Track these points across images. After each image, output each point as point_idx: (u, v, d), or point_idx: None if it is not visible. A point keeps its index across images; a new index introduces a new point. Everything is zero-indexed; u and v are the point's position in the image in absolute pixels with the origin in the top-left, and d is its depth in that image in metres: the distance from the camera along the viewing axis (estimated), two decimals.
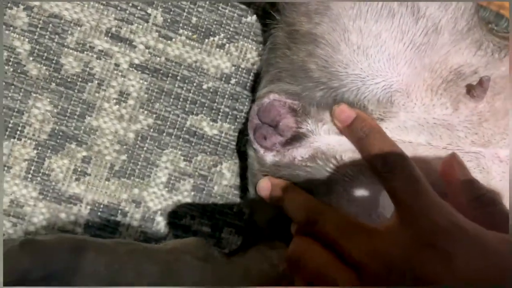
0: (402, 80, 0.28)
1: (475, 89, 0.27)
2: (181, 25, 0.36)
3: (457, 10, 0.27)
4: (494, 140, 0.28)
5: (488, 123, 0.28)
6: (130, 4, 0.35)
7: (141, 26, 0.35)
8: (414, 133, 0.29)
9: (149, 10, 0.36)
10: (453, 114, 0.28)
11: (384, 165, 0.25)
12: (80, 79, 0.35)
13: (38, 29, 0.34)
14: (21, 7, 0.34)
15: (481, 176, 0.28)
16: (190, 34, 0.36)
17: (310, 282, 0.24)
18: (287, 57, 0.31)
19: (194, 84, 0.36)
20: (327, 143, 0.30)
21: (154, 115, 0.36)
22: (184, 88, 0.36)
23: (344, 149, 0.29)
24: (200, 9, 0.36)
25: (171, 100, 0.36)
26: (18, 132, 0.34)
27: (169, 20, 0.36)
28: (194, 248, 0.32)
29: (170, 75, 0.36)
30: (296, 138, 0.31)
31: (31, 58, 0.34)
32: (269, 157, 0.31)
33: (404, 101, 0.28)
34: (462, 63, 0.28)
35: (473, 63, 0.28)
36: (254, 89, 0.37)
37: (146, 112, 0.36)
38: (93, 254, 0.28)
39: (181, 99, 0.36)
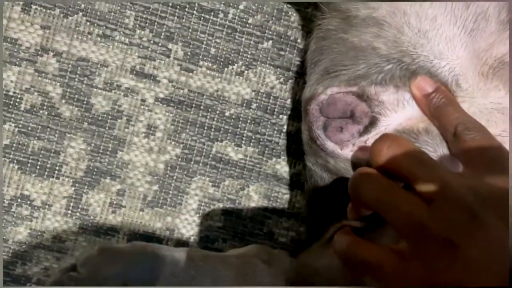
0: (462, 64, 0.28)
1: None
2: (200, 57, 0.38)
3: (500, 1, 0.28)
4: None
5: None
6: (152, 41, 0.37)
7: (163, 62, 0.37)
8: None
9: (170, 46, 0.37)
10: (505, 96, 0.28)
11: (464, 129, 0.26)
12: (110, 117, 0.37)
13: (68, 73, 0.36)
14: (51, 53, 0.36)
15: None
16: (210, 65, 0.38)
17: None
18: (346, 41, 0.30)
19: (217, 112, 0.38)
20: (399, 122, 0.30)
21: (181, 145, 0.38)
22: (208, 117, 0.38)
23: (415, 122, 0.30)
24: (217, 40, 0.38)
25: (196, 129, 0.38)
26: (56, 172, 0.36)
27: (189, 53, 0.37)
28: (258, 252, 0.32)
29: (193, 105, 0.38)
30: (371, 123, 0.29)
31: (63, 101, 0.36)
32: (347, 152, 0.30)
33: (466, 85, 0.28)
34: (504, 53, 0.28)
35: None
36: (273, 112, 0.38)
37: (173, 142, 0.37)
38: (170, 260, 0.28)
39: (205, 128, 0.38)
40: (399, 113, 0.30)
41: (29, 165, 0.36)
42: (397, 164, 0.25)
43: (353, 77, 0.30)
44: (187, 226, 0.38)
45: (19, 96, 0.36)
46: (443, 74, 0.29)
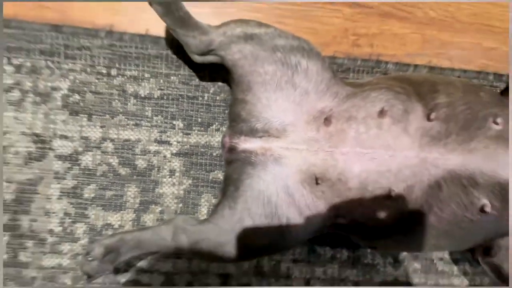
0: (290, 120, 0.52)
1: (326, 120, 0.51)
2: (193, 124, 0.64)
3: (318, 80, 0.52)
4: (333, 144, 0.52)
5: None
6: (163, 122, 0.63)
7: (172, 132, 0.64)
8: (300, 144, 0.52)
9: (174, 122, 0.64)
10: (317, 133, 0.52)
11: None
12: (147, 169, 0.63)
13: (120, 149, 0.63)
14: (108, 140, 0.63)
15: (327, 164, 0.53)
16: (199, 128, 0.64)
17: None
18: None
19: (208, 155, 0.64)
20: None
21: (191, 178, 0.64)
22: (204, 158, 0.64)
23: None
24: (201, 113, 0.64)
25: (198, 167, 0.64)
26: (123, 207, 0.63)
27: (186, 124, 0.64)
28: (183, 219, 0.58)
29: (194, 153, 0.64)
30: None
31: (120, 166, 0.63)
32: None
33: (292, 129, 0.52)
34: (324, 106, 0.52)
35: (329, 105, 0.52)
36: None
37: (186, 177, 0.64)
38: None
39: (203, 165, 0.64)
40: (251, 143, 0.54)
41: (107, 205, 0.63)
42: None
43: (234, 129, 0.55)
44: None
45: (96, 168, 0.63)
46: (274, 126, 0.51)
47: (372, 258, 0.67)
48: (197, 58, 0.54)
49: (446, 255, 0.68)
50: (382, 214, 0.50)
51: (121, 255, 0.53)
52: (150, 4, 0.51)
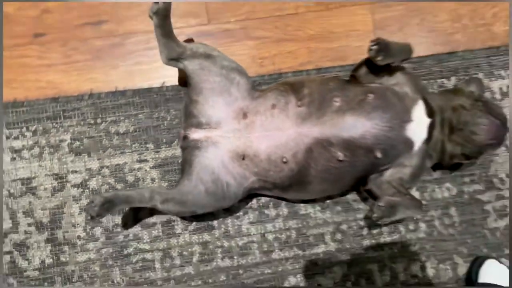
0: (223, 116, 0.77)
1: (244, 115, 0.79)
2: (160, 144, 0.91)
3: (243, 89, 0.79)
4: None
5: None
6: (140, 147, 0.91)
7: (147, 152, 0.91)
8: (229, 132, 0.76)
9: (147, 145, 0.91)
10: (238, 125, 0.78)
11: None
12: (135, 181, 0.91)
13: (114, 172, 0.90)
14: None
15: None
16: (165, 145, 0.92)
17: None
18: None
19: (176, 162, 0.91)
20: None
21: (167, 182, 0.91)
22: (173, 165, 0.91)
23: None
24: (164, 135, 0.92)
25: (173, 172, 0.91)
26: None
27: (155, 145, 0.91)
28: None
29: (165, 164, 0.91)
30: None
31: (117, 183, 0.90)
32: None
33: (224, 122, 0.77)
34: (243, 106, 0.79)
35: (246, 105, 0.78)
36: None
37: (163, 181, 0.91)
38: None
39: (174, 170, 0.91)
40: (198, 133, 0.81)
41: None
42: None
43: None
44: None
45: (100, 188, 0.90)
46: (215, 120, 0.78)
47: (305, 209, 0.93)
48: (166, 62, 0.81)
49: (357, 196, 0.95)
50: (282, 174, 0.77)
51: (115, 205, 0.76)
52: (151, 17, 0.77)
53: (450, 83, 0.98)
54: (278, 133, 0.76)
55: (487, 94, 0.99)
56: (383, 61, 0.75)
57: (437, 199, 0.95)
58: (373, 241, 0.94)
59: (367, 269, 0.93)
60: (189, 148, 0.80)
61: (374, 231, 0.94)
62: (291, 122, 0.76)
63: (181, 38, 0.85)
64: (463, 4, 1.01)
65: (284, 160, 0.76)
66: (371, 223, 0.92)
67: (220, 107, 0.79)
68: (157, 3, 0.75)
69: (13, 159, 0.89)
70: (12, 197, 0.89)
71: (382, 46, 0.74)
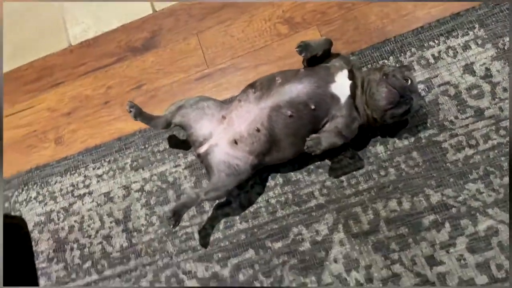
0: (212, 127, 1.17)
1: (223, 118, 1.16)
2: (189, 156, 1.32)
3: (214, 106, 1.20)
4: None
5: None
6: (175, 158, 1.32)
7: (182, 160, 1.32)
8: (220, 133, 1.16)
9: (188, 157, 1.32)
10: (223, 124, 1.17)
11: None
12: (176, 181, 1.30)
13: (157, 180, 1.31)
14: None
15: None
16: (195, 160, 1.31)
17: None
18: None
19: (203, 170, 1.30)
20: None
21: (195, 177, 1.29)
22: (200, 170, 1.30)
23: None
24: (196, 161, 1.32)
25: (202, 175, 1.30)
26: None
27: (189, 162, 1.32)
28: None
29: (199, 167, 1.30)
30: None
31: (169, 188, 1.30)
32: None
33: (214, 130, 1.16)
34: (222, 114, 1.18)
35: (222, 112, 1.18)
36: None
37: (193, 177, 1.29)
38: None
39: (202, 175, 1.29)
40: (203, 148, 1.20)
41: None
42: None
43: None
44: None
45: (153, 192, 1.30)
46: (208, 133, 1.17)
47: (295, 176, 1.23)
48: (163, 130, 1.24)
49: (334, 159, 1.22)
50: (261, 140, 1.10)
51: (180, 212, 1.11)
52: (130, 113, 1.21)
53: (390, 62, 1.28)
54: (248, 115, 1.12)
55: (423, 62, 1.25)
56: (307, 56, 1.10)
57: (399, 147, 1.19)
58: (353, 189, 1.18)
59: (352, 212, 1.16)
60: (203, 158, 1.18)
61: (352, 182, 1.19)
62: (253, 104, 1.12)
63: (191, 85, 1.32)
64: (387, 4, 1.33)
65: (257, 129, 1.10)
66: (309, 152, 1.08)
67: (206, 126, 1.18)
68: (132, 106, 1.17)
69: (98, 181, 1.35)
70: (99, 206, 1.33)
71: (303, 46, 1.09)
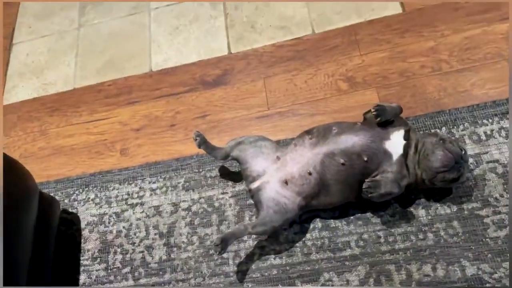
0: (266, 166, 1.26)
1: (277, 158, 1.25)
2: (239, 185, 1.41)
3: (270, 147, 1.30)
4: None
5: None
6: (226, 186, 1.42)
7: (231, 189, 1.41)
8: (273, 172, 1.25)
9: (241, 186, 1.42)
10: (276, 164, 1.26)
11: None
12: (221, 207, 1.39)
13: (204, 203, 1.41)
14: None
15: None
16: (243, 191, 1.41)
17: None
18: None
19: (248, 199, 1.39)
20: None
21: (238, 206, 1.37)
22: (247, 199, 1.39)
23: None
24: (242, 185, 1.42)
25: (249, 207, 1.38)
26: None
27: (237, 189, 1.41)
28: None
29: (246, 198, 1.39)
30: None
31: (212, 210, 1.39)
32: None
33: (268, 168, 1.26)
34: (277, 155, 1.27)
35: (277, 154, 1.26)
36: None
37: (238, 207, 1.37)
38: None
39: (250, 206, 1.38)
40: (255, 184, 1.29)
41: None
42: None
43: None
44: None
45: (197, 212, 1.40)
46: (261, 170, 1.27)
47: (334, 223, 1.28)
48: (221, 160, 1.35)
49: (374, 214, 1.26)
50: (311, 183, 1.18)
51: (227, 241, 1.20)
52: (196, 141, 1.34)
53: (442, 133, 1.33)
54: (301, 158, 1.21)
55: (474, 138, 1.30)
56: (381, 120, 1.17)
57: (441, 214, 1.22)
58: (389, 247, 1.21)
59: (386, 269, 1.19)
60: (254, 193, 1.27)
61: (390, 239, 1.22)
62: (307, 149, 1.21)
63: (250, 122, 1.45)
64: (446, 79, 1.41)
65: (309, 172, 1.18)
66: (365, 195, 1.14)
67: (261, 163, 1.27)
68: (198, 135, 1.31)
69: (151, 194, 1.47)
70: (147, 217, 1.43)
71: (380, 110, 1.17)
